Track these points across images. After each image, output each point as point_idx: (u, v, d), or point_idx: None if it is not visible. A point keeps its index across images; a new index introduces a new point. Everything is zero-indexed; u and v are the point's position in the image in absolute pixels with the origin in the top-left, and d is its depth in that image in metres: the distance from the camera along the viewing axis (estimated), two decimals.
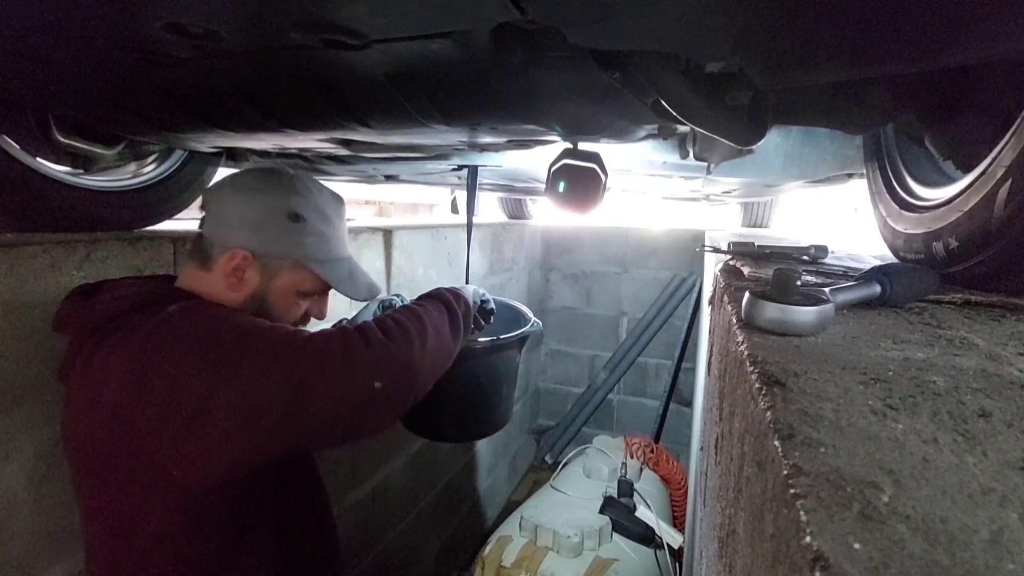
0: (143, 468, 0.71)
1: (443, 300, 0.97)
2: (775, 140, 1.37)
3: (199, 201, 0.89)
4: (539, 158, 1.30)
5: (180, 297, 0.80)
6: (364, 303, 1.19)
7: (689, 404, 3.31)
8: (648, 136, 1.00)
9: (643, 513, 2.09)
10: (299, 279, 0.89)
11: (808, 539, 0.22)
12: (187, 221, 1.63)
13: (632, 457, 2.65)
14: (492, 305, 1.15)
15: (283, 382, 0.70)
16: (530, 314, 1.33)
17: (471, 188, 1.62)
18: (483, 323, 1.15)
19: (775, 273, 0.53)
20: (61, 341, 0.81)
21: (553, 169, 1.07)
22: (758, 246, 1.13)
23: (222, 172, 1.56)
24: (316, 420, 0.73)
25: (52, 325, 0.81)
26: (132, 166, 1.34)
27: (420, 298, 1.01)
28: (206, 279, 0.85)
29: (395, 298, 1.21)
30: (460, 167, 1.58)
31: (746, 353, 0.45)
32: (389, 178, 1.97)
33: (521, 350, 1.29)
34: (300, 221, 0.86)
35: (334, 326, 1.26)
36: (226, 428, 0.68)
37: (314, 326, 0.88)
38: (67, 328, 0.79)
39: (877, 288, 0.63)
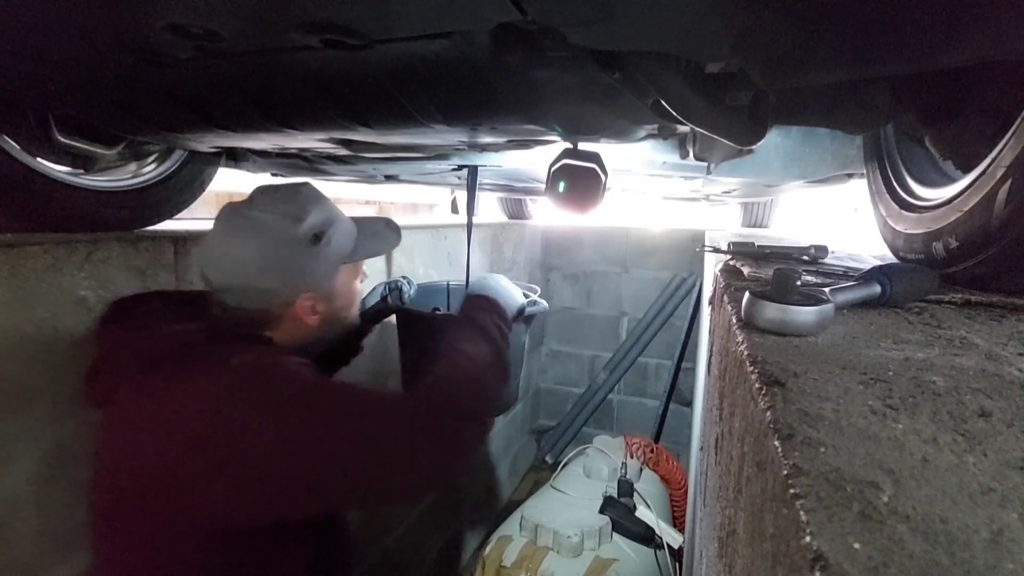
0: (183, 510, 0.70)
1: (489, 339, 0.94)
2: (775, 140, 1.37)
3: (203, 262, 0.84)
4: (539, 158, 1.29)
5: (251, 341, 0.81)
6: (370, 289, 1.24)
7: (689, 404, 3.30)
8: (648, 136, 1.00)
9: (643, 513, 2.09)
10: (349, 273, 0.95)
11: (808, 539, 0.22)
12: (187, 221, 1.63)
13: (632, 457, 2.65)
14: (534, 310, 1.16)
15: (364, 450, 0.71)
16: (534, 295, 1.33)
17: (471, 188, 1.62)
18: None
19: (775, 273, 0.53)
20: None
21: (553, 169, 1.07)
22: (758, 246, 1.13)
23: (222, 172, 1.56)
24: (385, 489, 0.75)
25: (93, 335, 0.82)
26: (132, 166, 1.34)
27: (466, 332, 0.95)
28: (274, 332, 0.86)
29: (401, 280, 1.23)
30: (460, 167, 1.58)
31: (746, 353, 0.45)
32: (389, 178, 1.97)
33: (527, 329, 1.29)
34: (323, 237, 0.86)
35: None
36: (286, 485, 0.69)
37: None
38: (111, 349, 0.78)
39: (877, 288, 0.63)
